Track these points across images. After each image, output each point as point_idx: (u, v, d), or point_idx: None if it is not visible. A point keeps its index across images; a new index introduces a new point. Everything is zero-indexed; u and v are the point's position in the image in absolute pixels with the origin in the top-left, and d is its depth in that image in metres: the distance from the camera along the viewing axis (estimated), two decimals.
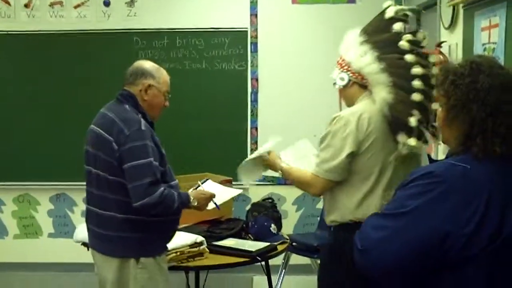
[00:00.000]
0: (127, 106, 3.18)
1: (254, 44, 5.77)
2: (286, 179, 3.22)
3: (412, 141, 2.74)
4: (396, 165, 2.82)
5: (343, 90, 3.02)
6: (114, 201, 3.08)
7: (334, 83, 3.05)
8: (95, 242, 3.23)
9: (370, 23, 3.02)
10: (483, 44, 3.52)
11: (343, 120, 2.83)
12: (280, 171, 3.20)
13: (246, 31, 5.76)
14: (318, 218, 5.52)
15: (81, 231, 4.04)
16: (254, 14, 5.76)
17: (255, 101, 5.77)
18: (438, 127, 1.99)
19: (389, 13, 2.92)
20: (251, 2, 5.76)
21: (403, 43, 2.82)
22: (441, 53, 3.97)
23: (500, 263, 1.73)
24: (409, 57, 2.80)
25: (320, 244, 4.35)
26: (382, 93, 2.80)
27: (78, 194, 5.86)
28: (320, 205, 5.58)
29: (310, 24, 5.77)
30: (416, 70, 2.78)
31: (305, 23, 5.78)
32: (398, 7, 2.98)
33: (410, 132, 2.75)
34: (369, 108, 2.85)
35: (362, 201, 2.84)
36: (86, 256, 3.49)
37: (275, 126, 5.49)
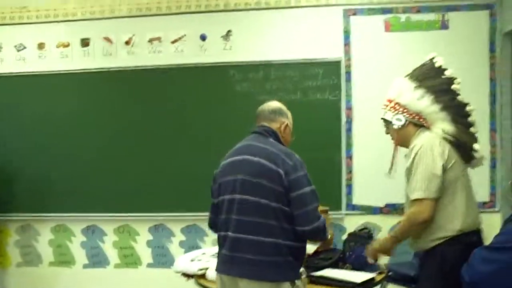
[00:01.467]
0: (272, 140, 3.42)
1: (348, 74, 5.78)
2: (399, 242, 3.54)
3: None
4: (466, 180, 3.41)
5: (399, 130, 3.45)
6: (277, 228, 3.18)
7: (390, 124, 3.50)
8: (245, 268, 3.22)
9: (419, 70, 3.59)
10: None
11: (425, 146, 3.26)
12: (391, 246, 3.56)
13: (340, 61, 5.79)
14: None
15: (182, 261, 4.15)
16: (347, 44, 5.79)
17: (349, 130, 5.77)
18: None
19: (439, 62, 3.54)
20: (344, 32, 5.79)
21: (456, 86, 3.44)
22: None
23: None
24: (461, 98, 3.43)
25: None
26: (444, 126, 3.37)
27: (175, 225, 6.05)
28: None
29: (404, 52, 5.73)
30: (470, 108, 3.48)
31: (399, 51, 5.75)
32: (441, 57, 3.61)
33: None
34: (434, 136, 3.34)
35: (456, 213, 3.28)
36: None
37: (370, 155, 5.48)
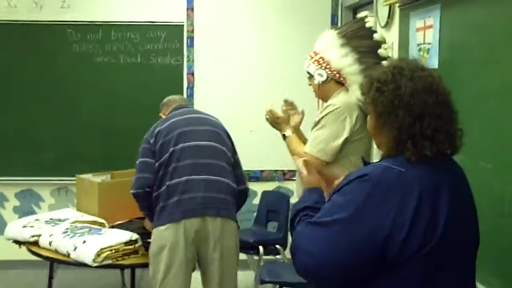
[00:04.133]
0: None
1: (190, 39, 5.73)
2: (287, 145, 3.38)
3: None
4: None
5: (320, 85, 3.30)
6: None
7: (309, 77, 3.34)
8: (220, 208, 3.43)
9: (349, 28, 3.37)
10: (418, 44, 3.58)
11: (340, 110, 3.12)
12: (284, 135, 3.36)
13: (183, 25, 5.72)
14: (255, 214, 5.52)
15: (13, 228, 3.98)
16: (190, 8, 5.72)
17: (191, 96, 5.74)
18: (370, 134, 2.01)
19: (370, 23, 3.33)
20: None
21: (382, 51, 3.25)
22: None
23: (435, 264, 1.76)
24: (386, 63, 3.06)
25: None
26: (359, 92, 3.02)
27: (6, 189, 5.80)
28: (256, 201, 5.60)
29: (247, 17, 5.79)
30: None
31: (241, 16, 5.79)
32: (374, 17, 3.43)
33: None
34: (350, 101, 3.17)
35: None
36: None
37: None
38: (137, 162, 3.55)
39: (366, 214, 1.74)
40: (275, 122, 3.39)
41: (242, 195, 3.71)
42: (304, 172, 2.27)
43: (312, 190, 2.15)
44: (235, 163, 3.64)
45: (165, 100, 3.94)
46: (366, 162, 2.16)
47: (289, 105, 3.45)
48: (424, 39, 3.52)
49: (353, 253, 1.74)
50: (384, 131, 1.88)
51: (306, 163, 2.33)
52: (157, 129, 3.53)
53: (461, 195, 1.88)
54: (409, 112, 1.80)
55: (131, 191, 3.50)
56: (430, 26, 3.42)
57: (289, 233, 4.88)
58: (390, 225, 1.71)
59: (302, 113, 3.43)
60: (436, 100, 1.82)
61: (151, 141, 3.51)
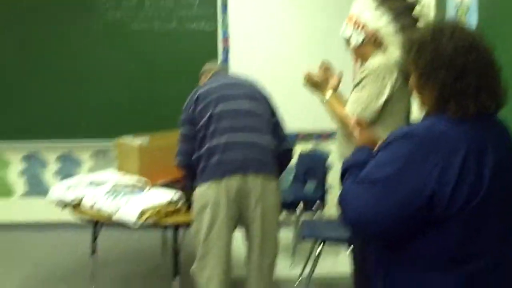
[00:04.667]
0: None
1: (224, 5, 5.76)
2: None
3: None
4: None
5: (358, 49, 3.28)
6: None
7: (347, 41, 3.30)
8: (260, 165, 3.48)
9: None
10: (456, 5, 3.57)
11: (378, 67, 3.11)
12: (325, 97, 3.34)
13: None
14: (293, 174, 5.58)
15: (57, 190, 4.06)
16: None
17: (225, 60, 5.79)
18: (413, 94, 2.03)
19: None
20: None
21: (417, 11, 3.22)
22: None
23: (479, 221, 1.79)
24: (425, 25, 3.06)
25: None
26: (396, 53, 3.12)
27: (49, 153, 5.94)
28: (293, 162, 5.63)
29: None
30: None
31: None
32: None
33: None
34: (388, 61, 3.14)
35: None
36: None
37: None
38: (179, 132, 3.63)
39: (411, 171, 1.77)
40: (313, 85, 3.43)
41: (286, 155, 3.75)
42: (356, 131, 2.31)
43: (362, 148, 2.18)
44: (276, 124, 3.68)
45: (203, 68, 3.99)
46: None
47: (326, 69, 3.47)
48: None
49: (398, 209, 1.77)
50: (426, 90, 1.89)
51: (358, 122, 2.37)
52: (196, 95, 3.58)
53: (506, 152, 1.89)
54: (450, 71, 1.82)
55: (175, 163, 3.61)
56: None
57: (326, 191, 5.02)
58: (435, 181, 1.73)
59: (340, 74, 3.45)
60: (477, 58, 1.83)
61: (191, 109, 3.56)
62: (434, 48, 1.85)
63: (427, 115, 1.96)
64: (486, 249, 1.81)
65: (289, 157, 3.82)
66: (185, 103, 3.62)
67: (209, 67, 3.97)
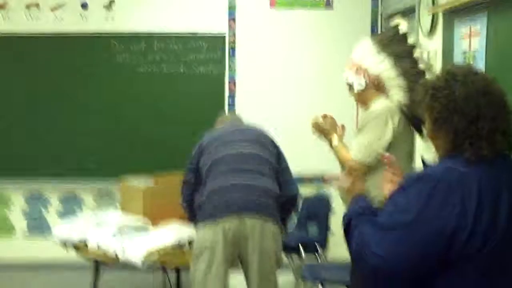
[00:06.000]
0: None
1: (232, 49, 5.81)
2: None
3: None
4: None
5: (360, 93, 3.35)
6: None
7: (349, 87, 3.37)
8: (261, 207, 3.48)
9: (383, 35, 3.52)
10: (464, 52, 3.60)
11: (380, 112, 3.17)
12: (332, 144, 3.39)
13: (224, 36, 5.80)
14: (295, 218, 5.55)
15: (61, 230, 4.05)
16: (232, 19, 5.81)
17: (232, 105, 5.81)
18: (428, 138, 2.04)
19: (404, 29, 3.36)
20: (229, 8, 5.80)
21: (418, 55, 3.30)
22: None
23: (495, 264, 1.78)
24: (422, 66, 3.27)
25: None
26: (399, 95, 3.23)
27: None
28: None
29: (288, 29, 5.84)
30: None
31: (283, 28, 5.84)
32: (406, 23, 3.43)
33: None
34: (391, 105, 3.21)
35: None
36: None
37: None
38: (183, 177, 3.71)
39: (430, 215, 1.77)
40: (320, 132, 3.44)
41: (292, 201, 3.77)
42: (347, 182, 2.30)
43: (359, 198, 2.18)
44: (283, 170, 3.70)
45: (217, 118, 4.13)
46: (425, 163, 2.19)
47: (331, 118, 3.50)
48: (470, 47, 3.54)
49: (419, 254, 1.78)
50: (441, 135, 1.92)
51: (352, 169, 2.37)
52: (201, 148, 3.68)
53: None
54: (464, 115, 1.84)
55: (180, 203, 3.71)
56: (476, 33, 3.44)
57: (328, 233, 4.99)
58: (454, 224, 1.74)
59: (343, 127, 3.47)
60: (490, 101, 1.85)
61: (195, 160, 3.66)
62: (448, 93, 1.87)
63: (442, 158, 1.97)
64: None
65: (294, 203, 3.84)
66: (192, 153, 3.71)
67: (221, 118, 4.09)
